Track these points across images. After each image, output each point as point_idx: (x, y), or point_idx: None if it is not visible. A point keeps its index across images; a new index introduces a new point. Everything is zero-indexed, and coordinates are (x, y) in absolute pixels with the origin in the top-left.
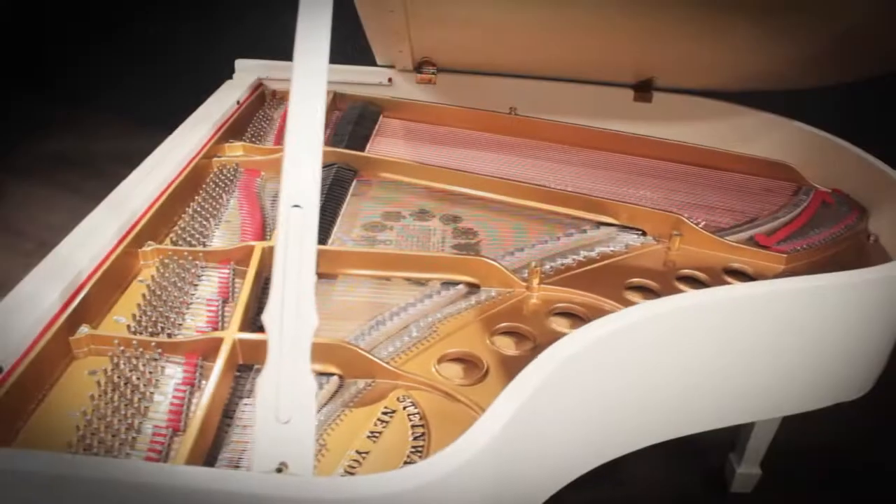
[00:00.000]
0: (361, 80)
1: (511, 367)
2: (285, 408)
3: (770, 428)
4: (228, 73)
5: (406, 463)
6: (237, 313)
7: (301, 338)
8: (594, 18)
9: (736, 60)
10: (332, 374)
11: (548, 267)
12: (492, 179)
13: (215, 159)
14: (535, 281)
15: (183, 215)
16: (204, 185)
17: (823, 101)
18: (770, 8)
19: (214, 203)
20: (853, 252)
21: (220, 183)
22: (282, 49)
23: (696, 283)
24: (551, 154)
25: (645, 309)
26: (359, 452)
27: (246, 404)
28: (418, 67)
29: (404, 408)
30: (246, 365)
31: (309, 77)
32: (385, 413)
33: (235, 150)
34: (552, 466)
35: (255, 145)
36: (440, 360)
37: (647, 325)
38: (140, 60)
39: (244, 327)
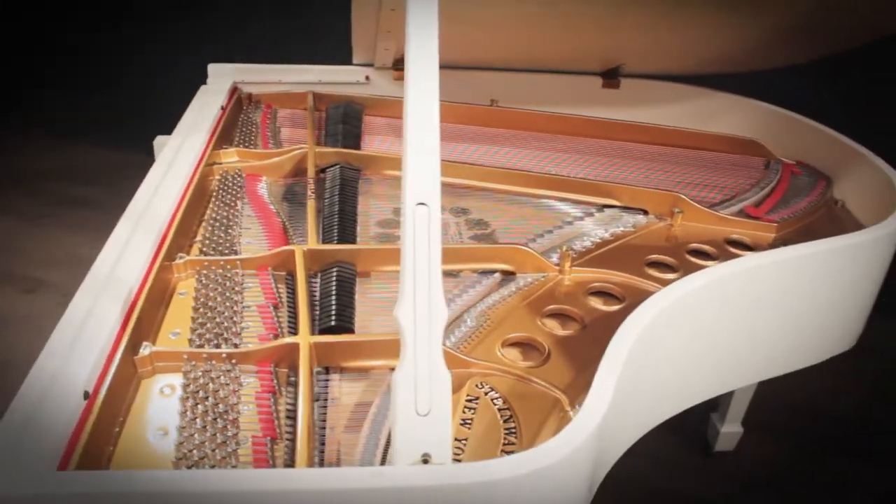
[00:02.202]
0: (338, 79)
1: (568, 347)
2: (423, 400)
3: (751, 386)
4: (157, 84)
5: (506, 444)
6: (302, 317)
7: (433, 331)
8: (566, 12)
9: (695, 46)
10: None
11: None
12: (495, 170)
13: (216, 166)
14: (567, 264)
15: (203, 225)
16: (214, 194)
17: (780, 81)
18: None
19: (230, 210)
20: (827, 217)
21: (229, 190)
22: (219, 55)
23: (704, 255)
24: (535, 143)
25: (700, 277)
26: (458, 440)
27: (323, 407)
28: (395, 64)
29: (486, 394)
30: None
31: (423, 78)
32: (469, 400)
33: (230, 157)
34: (626, 433)
35: (249, 150)
36: (502, 346)
37: (703, 292)
38: (64, 72)
39: (312, 331)
